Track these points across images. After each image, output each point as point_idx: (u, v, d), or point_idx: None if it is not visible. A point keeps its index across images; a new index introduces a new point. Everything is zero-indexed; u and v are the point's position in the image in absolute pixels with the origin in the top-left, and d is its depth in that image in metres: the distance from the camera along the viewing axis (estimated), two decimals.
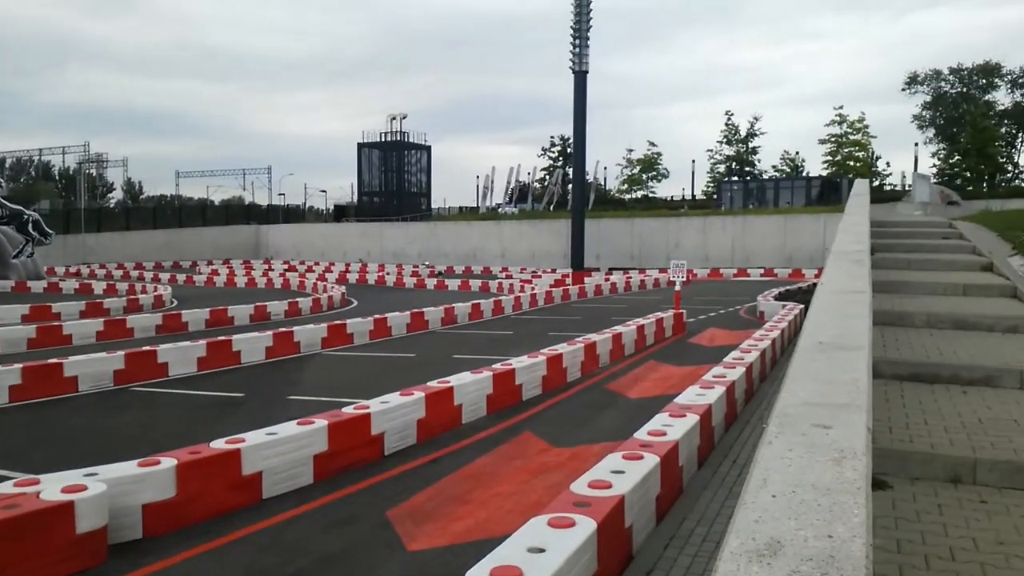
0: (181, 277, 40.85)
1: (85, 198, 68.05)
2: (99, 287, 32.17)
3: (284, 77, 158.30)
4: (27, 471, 6.73)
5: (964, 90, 62.03)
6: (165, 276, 41.39)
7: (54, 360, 11.87)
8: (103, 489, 5.55)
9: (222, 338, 14.42)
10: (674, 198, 65.81)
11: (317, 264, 49.23)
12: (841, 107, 61.52)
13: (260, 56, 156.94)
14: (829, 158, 61.27)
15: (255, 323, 20.56)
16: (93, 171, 75.38)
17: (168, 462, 6.16)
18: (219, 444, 6.66)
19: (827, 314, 4.99)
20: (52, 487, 5.50)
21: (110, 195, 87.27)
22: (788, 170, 64.48)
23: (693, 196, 64.62)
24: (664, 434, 6.51)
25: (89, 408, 11.00)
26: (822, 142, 61.64)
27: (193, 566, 5.46)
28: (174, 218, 62.20)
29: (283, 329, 15.78)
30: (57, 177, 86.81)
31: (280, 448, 6.92)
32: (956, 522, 4.11)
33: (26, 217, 36.75)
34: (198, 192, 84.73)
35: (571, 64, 40.59)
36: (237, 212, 69.11)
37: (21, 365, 11.32)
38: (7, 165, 79.78)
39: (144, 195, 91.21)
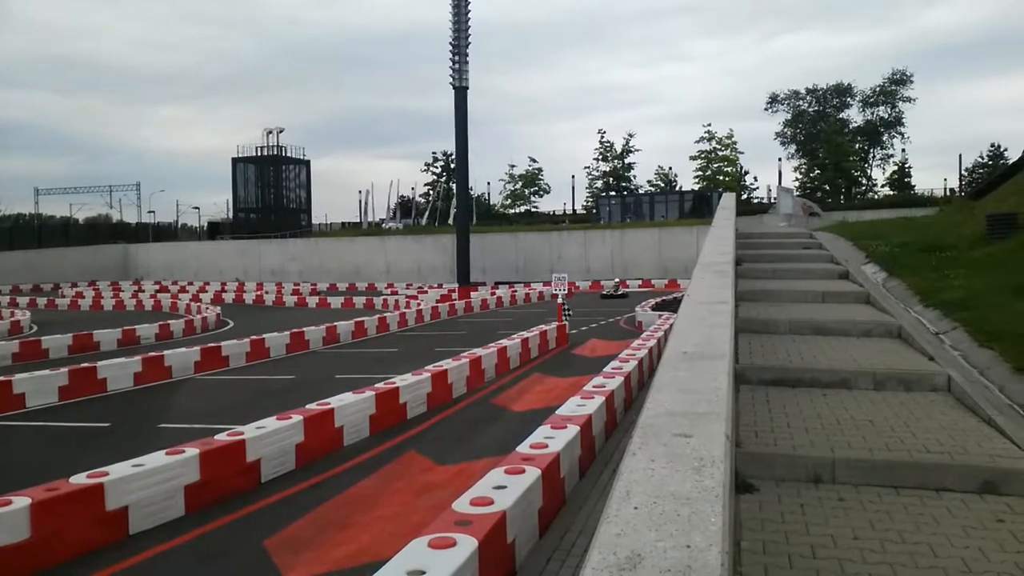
0: (42, 301, 38.42)
1: None
2: None
3: (151, 91, 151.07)
4: None
5: (820, 109, 66.18)
6: (23, 300, 38.77)
7: None
8: None
9: (86, 365, 13.60)
10: (556, 213, 66.99)
11: (191, 284, 47.34)
12: (710, 125, 64.35)
13: (123, 69, 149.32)
14: (700, 173, 63.86)
15: (123, 348, 19.57)
16: None
17: (21, 501, 5.74)
18: (79, 479, 6.27)
19: (691, 324, 5.17)
20: None
21: None
22: (662, 185, 66.82)
23: (574, 211, 65.94)
24: (546, 446, 6.58)
25: None
26: (693, 158, 64.27)
27: None
28: (33, 238, 58.42)
29: (153, 353, 15.06)
30: None
31: (148, 480, 6.58)
32: (817, 520, 4.33)
33: None
34: (60, 210, 79.61)
35: (451, 80, 40.76)
36: (103, 231, 65.59)
37: None
38: None
39: None
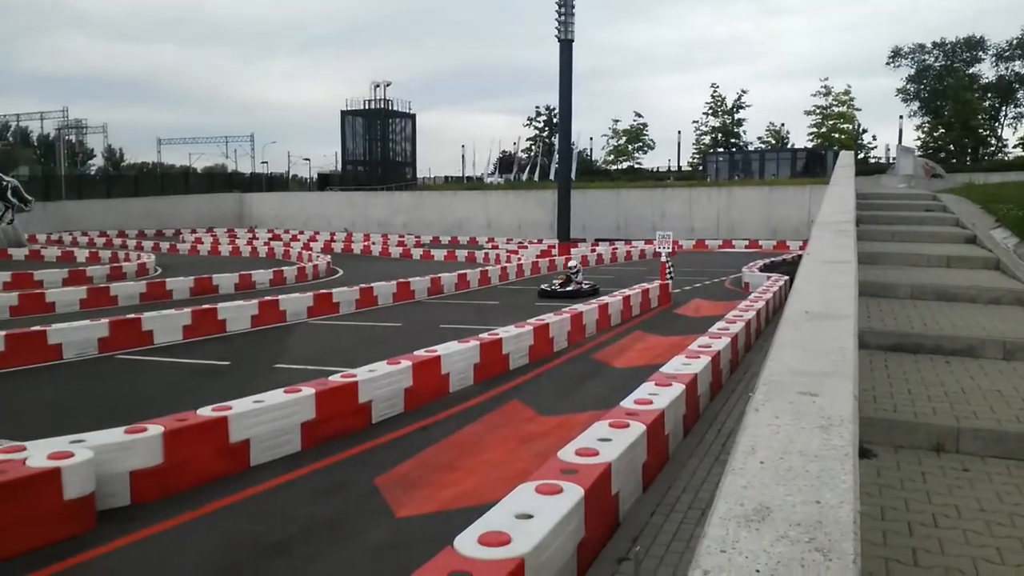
0: (164, 245, 40.45)
1: (65, 165, 66.99)
2: (81, 255, 31.87)
3: (266, 44, 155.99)
4: (13, 438, 6.68)
5: (948, 63, 62.03)
6: (148, 244, 40.96)
7: (37, 328, 11.80)
8: (90, 456, 5.55)
9: (207, 306, 14.35)
10: (660, 169, 65.70)
11: (301, 233, 48.85)
12: (827, 79, 61.45)
13: (240, 23, 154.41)
14: (814, 130, 61.30)
15: (240, 292, 20.45)
16: (72, 137, 74.12)
17: (155, 429, 6.15)
18: (206, 411, 6.65)
19: (813, 283, 5.02)
20: (38, 454, 5.48)
21: (90, 162, 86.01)
22: (773, 142, 64.50)
23: (679, 167, 64.57)
24: (650, 403, 6.55)
25: (74, 376, 10.96)
26: (807, 113, 61.70)
27: (182, 533, 5.48)
28: (156, 186, 61.27)
29: (269, 298, 15.73)
30: (35, 144, 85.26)
31: (267, 416, 6.92)
32: (939, 490, 4.17)
33: (5, 183, 35.98)
34: (180, 160, 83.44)
35: (557, 33, 40.17)
36: (220, 180, 68.25)
37: (4, 333, 11.23)
38: None
39: (125, 162, 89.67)
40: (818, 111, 60.96)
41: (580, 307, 13.89)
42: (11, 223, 35.81)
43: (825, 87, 60.44)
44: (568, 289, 18.93)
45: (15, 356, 11.03)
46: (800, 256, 27.84)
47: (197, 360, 11.87)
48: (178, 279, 20.23)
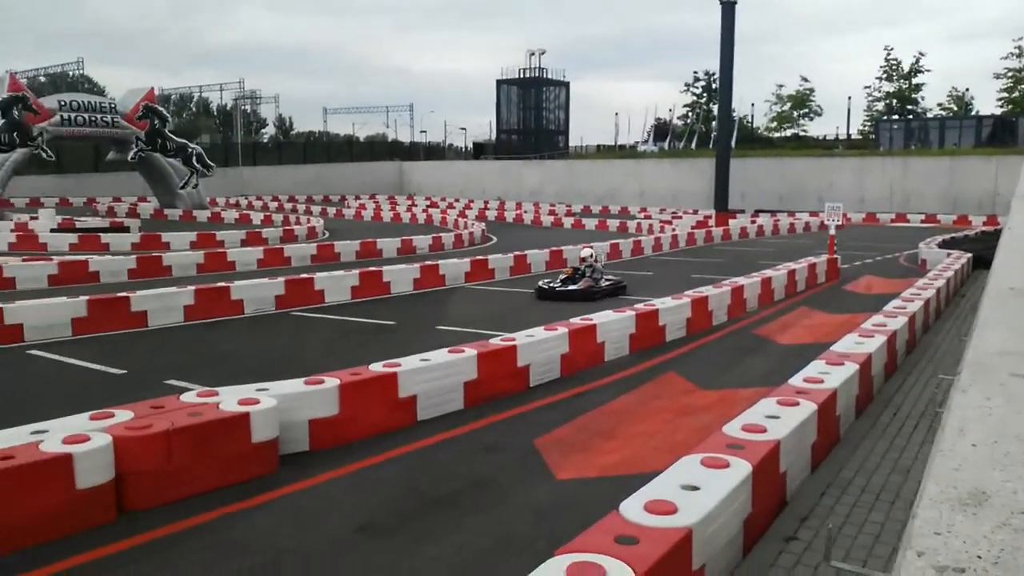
0: (331, 210, 42.60)
1: (241, 133, 71.65)
2: (256, 217, 34.10)
3: (426, 14, 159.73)
4: (202, 384, 7.28)
5: None
6: (316, 209, 43.24)
7: (222, 284, 12.77)
8: (274, 404, 5.94)
9: (373, 269, 15.04)
10: (827, 137, 62.35)
11: (457, 201, 50.03)
12: (1021, 39, 55.88)
13: None
14: (1004, 95, 56.07)
15: (402, 256, 21.28)
16: (248, 107, 79.07)
17: (332, 382, 6.51)
18: (377, 367, 6.97)
19: (1017, 259, 4.60)
20: (229, 399, 5.93)
21: (263, 131, 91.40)
22: (955, 109, 59.57)
23: (848, 135, 60.94)
24: (821, 382, 6.28)
25: (254, 329, 11.81)
26: (997, 77, 56.48)
27: (356, 479, 5.80)
28: (323, 153, 64.44)
29: (429, 263, 16.27)
30: (215, 113, 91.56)
31: (433, 374, 7.17)
32: None
33: (190, 150, 38.91)
34: (344, 128, 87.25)
35: None
36: (381, 149, 70.96)
37: (194, 287, 12.25)
38: (171, 101, 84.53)
39: (294, 131, 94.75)
40: (1009, 74, 55.69)
41: (741, 280, 13.45)
42: (195, 187, 38.81)
43: (1018, 48, 55.09)
44: (572, 288, 14.25)
45: (203, 309, 12.04)
46: (985, 232, 25.72)
47: (364, 319, 12.46)
48: (345, 242, 21.28)
